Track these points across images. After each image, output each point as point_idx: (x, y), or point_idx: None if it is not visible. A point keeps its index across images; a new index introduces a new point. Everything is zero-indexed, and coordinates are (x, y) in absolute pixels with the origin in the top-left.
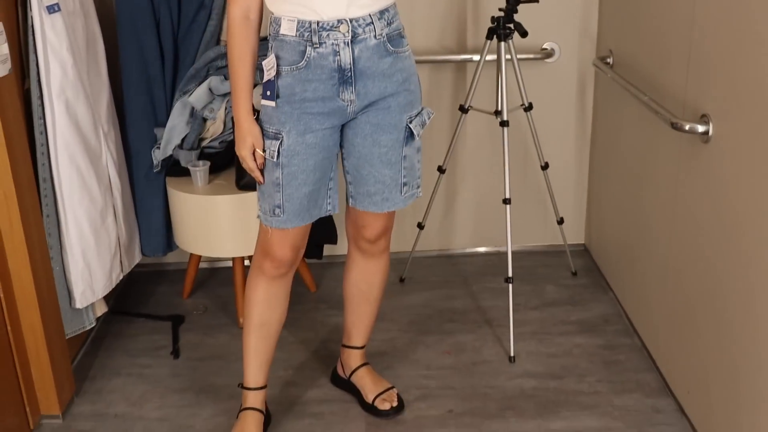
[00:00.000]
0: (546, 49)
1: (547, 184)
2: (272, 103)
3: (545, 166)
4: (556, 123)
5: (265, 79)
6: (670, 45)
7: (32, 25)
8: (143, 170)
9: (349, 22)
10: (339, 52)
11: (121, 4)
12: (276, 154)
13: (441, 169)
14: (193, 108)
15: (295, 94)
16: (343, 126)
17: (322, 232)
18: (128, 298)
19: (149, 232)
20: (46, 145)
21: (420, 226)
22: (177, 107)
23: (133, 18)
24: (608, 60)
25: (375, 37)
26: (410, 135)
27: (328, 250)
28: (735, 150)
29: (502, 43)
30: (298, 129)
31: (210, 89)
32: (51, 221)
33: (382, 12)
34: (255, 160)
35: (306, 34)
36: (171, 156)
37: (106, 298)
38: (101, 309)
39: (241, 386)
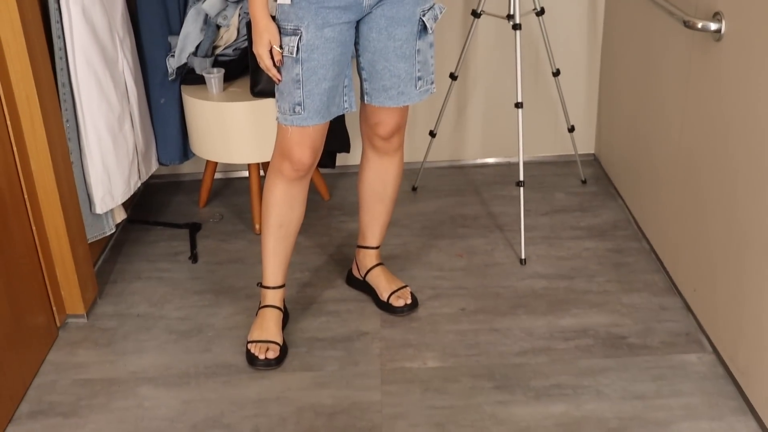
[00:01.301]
0: None
1: (558, 91)
2: (287, 1)
3: (556, 73)
4: (567, 28)
5: None
6: None
7: None
8: (158, 78)
9: None
10: None
11: None
12: (295, 49)
13: (453, 76)
14: (206, 15)
15: None
16: (358, 22)
17: (336, 140)
18: (145, 207)
19: (165, 140)
20: (64, 50)
21: (432, 134)
22: (190, 14)
23: None
24: None
25: None
26: (423, 28)
27: (341, 159)
28: (747, 48)
29: None
30: (316, 23)
31: None
32: (71, 126)
33: None
34: (272, 57)
35: None
36: (185, 64)
37: (125, 207)
38: (120, 216)
39: (260, 285)
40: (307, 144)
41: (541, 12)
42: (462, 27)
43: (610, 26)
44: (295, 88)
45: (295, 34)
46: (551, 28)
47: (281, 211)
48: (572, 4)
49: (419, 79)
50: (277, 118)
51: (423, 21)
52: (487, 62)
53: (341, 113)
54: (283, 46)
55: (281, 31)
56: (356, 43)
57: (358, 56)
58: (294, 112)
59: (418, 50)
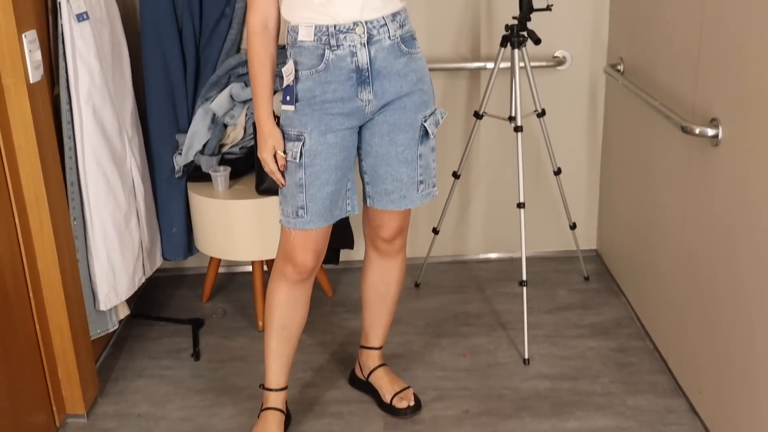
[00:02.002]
0: (558, 56)
1: (559, 189)
2: (292, 108)
3: (558, 172)
4: (568, 129)
5: (285, 84)
6: (679, 50)
7: (62, 33)
8: (165, 175)
9: (364, 24)
10: (356, 53)
11: (145, 12)
12: (298, 155)
13: (456, 175)
14: (214, 114)
15: (316, 96)
16: (360, 127)
17: (339, 236)
18: (149, 302)
19: (170, 236)
20: (73, 149)
21: (435, 231)
22: (199, 113)
23: (157, 26)
24: (619, 67)
25: (389, 37)
26: (425, 134)
27: (344, 255)
28: (744, 153)
29: (516, 51)
30: (319, 129)
31: (231, 96)
32: (78, 224)
33: (393, 15)
34: (276, 162)
35: (324, 38)
36: (192, 161)
37: (128, 302)
38: (124, 311)
39: (263, 387)
40: (310, 247)
41: (542, 113)
42: (464, 127)
43: (609, 127)
44: (298, 192)
45: (299, 140)
46: (552, 129)
47: (284, 313)
48: (573, 106)
49: (421, 183)
50: (280, 221)
51: (425, 126)
52: (490, 161)
53: (344, 216)
54: (287, 151)
55: (285, 137)
56: (359, 148)
57: (360, 160)
58: (297, 215)
59: (420, 155)
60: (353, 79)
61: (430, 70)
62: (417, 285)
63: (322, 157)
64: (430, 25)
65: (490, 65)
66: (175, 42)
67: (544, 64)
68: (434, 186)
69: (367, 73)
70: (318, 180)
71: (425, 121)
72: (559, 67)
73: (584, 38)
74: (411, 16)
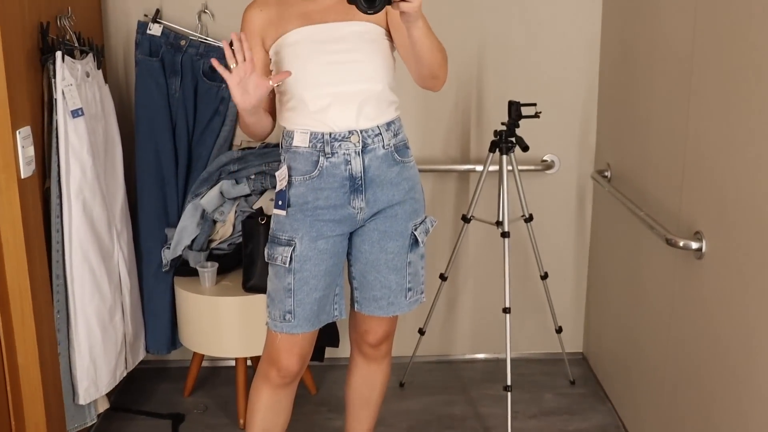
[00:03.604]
0: (546, 160)
1: (546, 293)
2: (283, 213)
3: (545, 276)
4: (555, 234)
5: (278, 189)
6: (665, 162)
7: (57, 129)
8: (152, 269)
9: (359, 133)
10: (350, 161)
11: (140, 107)
12: (288, 260)
13: (443, 277)
14: (204, 210)
15: (308, 202)
16: (350, 233)
17: (324, 334)
18: (130, 394)
19: (155, 329)
20: (61, 243)
21: (421, 331)
22: (188, 209)
23: (151, 122)
24: (606, 173)
25: (383, 146)
26: (415, 242)
27: (329, 352)
28: (728, 267)
29: (504, 156)
30: (310, 235)
31: (221, 192)
32: (61, 317)
33: (388, 124)
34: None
35: (319, 145)
36: (180, 256)
37: (108, 394)
38: (103, 405)
39: None
40: (295, 351)
41: (529, 219)
42: (453, 230)
43: (597, 232)
44: (286, 296)
45: (289, 245)
46: (540, 233)
47: (266, 416)
48: (561, 210)
49: (410, 290)
50: (267, 324)
51: (415, 235)
52: (477, 264)
53: (331, 321)
54: (277, 256)
55: (276, 241)
56: (348, 253)
57: (350, 265)
58: (284, 319)
59: (410, 262)
60: (346, 187)
61: (420, 171)
62: (402, 384)
63: (312, 263)
64: (421, 126)
65: (479, 168)
66: (169, 138)
67: (532, 167)
68: (422, 293)
69: (360, 181)
70: (307, 285)
71: (415, 230)
72: (547, 171)
73: (572, 143)
74: (402, 115)
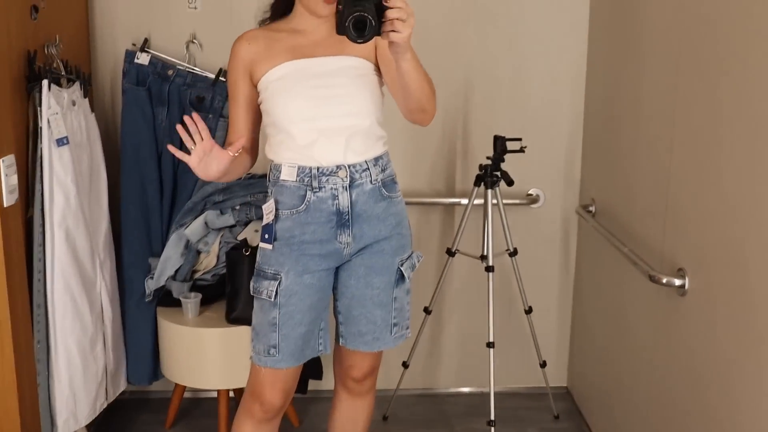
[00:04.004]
0: (531, 194)
1: (530, 327)
2: (269, 246)
3: (529, 311)
4: (540, 268)
5: (264, 222)
6: (648, 198)
7: (41, 157)
8: (135, 299)
9: (347, 168)
10: (338, 196)
11: (126, 136)
12: (274, 293)
13: (427, 311)
14: (188, 240)
15: (294, 236)
16: (336, 268)
17: (308, 367)
18: (110, 425)
19: (136, 360)
20: (43, 272)
21: (405, 365)
22: (173, 239)
23: (137, 150)
24: (590, 208)
25: (371, 182)
26: (401, 277)
27: (312, 385)
28: (710, 304)
29: (489, 190)
30: (296, 270)
31: (206, 223)
32: (41, 347)
33: (376, 159)
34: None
35: (306, 180)
36: (163, 286)
37: (88, 426)
38: None
39: None
40: (278, 386)
41: (514, 253)
42: (437, 264)
43: (582, 266)
44: (271, 331)
45: (275, 279)
46: (525, 266)
47: None
48: (545, 244)
49: (395, 325)
50: (251, 358)
51: (401, 270)
52: (461, 298)
53: (315, 355)
54: (262, 290)
55: (261, 275)
56: (334, 288)
57: (335, 300)
58: (269, 354)
59: (395, 298)
60: (333, 222)
61: (406, 203)
62: (385, 418)
63: (297, 298)
64: (407, 158)
65: (464, 201)
66: (154, 167)
67: (517, 201)
68: (407, 328)
69: (347, 216)
70: (292, 320)
71: (402, 265)
72: (532, 205)
73: (557, 178)
74: (389, 148)
